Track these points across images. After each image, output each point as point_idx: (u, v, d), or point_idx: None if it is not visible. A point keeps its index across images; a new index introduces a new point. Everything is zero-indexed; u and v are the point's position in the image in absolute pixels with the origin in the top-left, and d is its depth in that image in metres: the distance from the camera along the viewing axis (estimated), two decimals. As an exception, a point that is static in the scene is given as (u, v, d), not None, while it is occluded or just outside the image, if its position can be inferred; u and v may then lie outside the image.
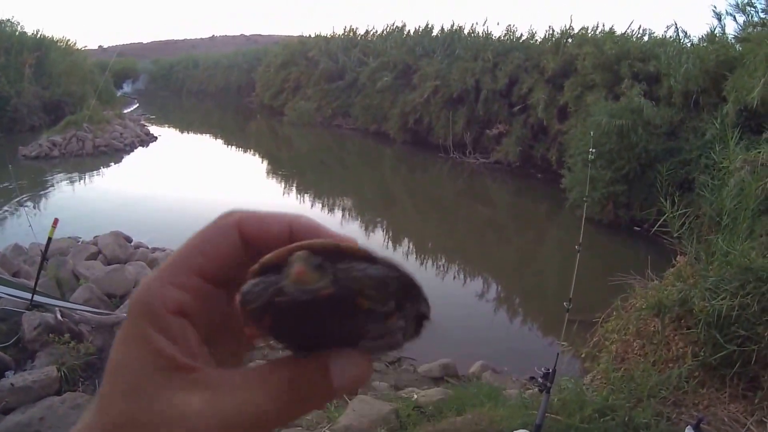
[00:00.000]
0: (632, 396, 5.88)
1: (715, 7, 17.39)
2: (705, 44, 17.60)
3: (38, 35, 34.07)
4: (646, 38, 21.62)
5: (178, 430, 0.52)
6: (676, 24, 20.25)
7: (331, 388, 0.57)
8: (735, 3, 16.02)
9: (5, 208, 16.59)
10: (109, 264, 11.14)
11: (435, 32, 31.80)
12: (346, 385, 0.57)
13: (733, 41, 16.53)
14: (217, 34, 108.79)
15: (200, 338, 0.57)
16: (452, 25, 30.93)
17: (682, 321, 6.66)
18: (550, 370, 4.75)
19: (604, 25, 23.24)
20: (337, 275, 0.53)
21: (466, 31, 30.03)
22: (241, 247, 0.58)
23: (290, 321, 0.54)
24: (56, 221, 7.44)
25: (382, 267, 0.55)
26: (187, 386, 0.54)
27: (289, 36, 53.42)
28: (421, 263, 13.61)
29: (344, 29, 39.34)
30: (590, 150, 6.82)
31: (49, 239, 7.28)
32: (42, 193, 18.95)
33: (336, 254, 0.54)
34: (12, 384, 6.32)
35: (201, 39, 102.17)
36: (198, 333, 0.57)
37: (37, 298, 7.51)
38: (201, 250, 0.57)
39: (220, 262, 0.57)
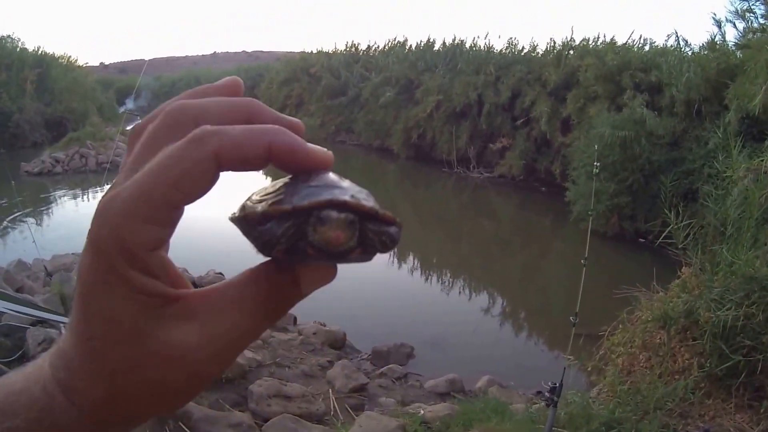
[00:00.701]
0: (639, 408, 5.87)
1: (714, 14, 17.33)
2: (706, 52, 17.49)
3: (39, 52, 34.22)
4: (647, 48, 21.53)
5: (180, 366, 0.55)
6: (676, 33, 20.12)
7: (300, 296, 0.62)
8: (734, 9, 15.99)
9: (8, 224, 16.58)
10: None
11: (437, 46, 31.65)
12: (312, 291, 0.63)
13: (733, 48, 16.42)
14: (219, 50, 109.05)
15: (171, 262, 0.59)
16: (454, 39, 30.82)
17: (688, 332, 6.65)
18: (557, 385, 4.75)
19: (605, 36, 23.32)
20: (366, 235, 0.58)
21: (467, 45, 29.89)
22: (216, 175, 0.56)
23: (302, 257, 0.58)
24: None
25: (398, 227, 0.61)
26: (177, 320, 0.55)
27: (290, 52, 53.31)
28: (426, 279, 13.60)
29: (346, 45, 39.22)
30: (594, 164, 6.82)
31: None
32: (45, 208, 18.96)
33: (365, 214, 0.58)
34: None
35: (202, 55, 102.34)
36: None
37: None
38: (179, 186, 0.53)
39: (198, 196, 0.55)
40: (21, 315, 7.45)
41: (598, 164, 6.80)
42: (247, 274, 0.61)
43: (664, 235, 7.45)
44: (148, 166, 0.54)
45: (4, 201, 17.80)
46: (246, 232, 0.60)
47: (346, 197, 0.57)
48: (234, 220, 0.62)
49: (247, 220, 0.59)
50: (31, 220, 16.60)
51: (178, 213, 0.55)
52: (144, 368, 0.54)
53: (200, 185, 0.55)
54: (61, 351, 0.57)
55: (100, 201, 0.54)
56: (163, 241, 0.55)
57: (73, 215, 18.18)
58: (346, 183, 0.60)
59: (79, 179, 23.35)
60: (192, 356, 0.55)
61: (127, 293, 0.53)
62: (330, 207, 0.56)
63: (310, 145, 0.60)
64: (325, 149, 0.61)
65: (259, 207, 0.58)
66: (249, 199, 0.64)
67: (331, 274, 0.63)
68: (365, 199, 0.59)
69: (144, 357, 0.54)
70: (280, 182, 0.62)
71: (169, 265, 0.57)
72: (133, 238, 0.52)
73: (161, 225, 0.54)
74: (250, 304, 0.59)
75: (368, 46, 38.04)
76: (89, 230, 0.54)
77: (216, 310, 0.57)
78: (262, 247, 0.58)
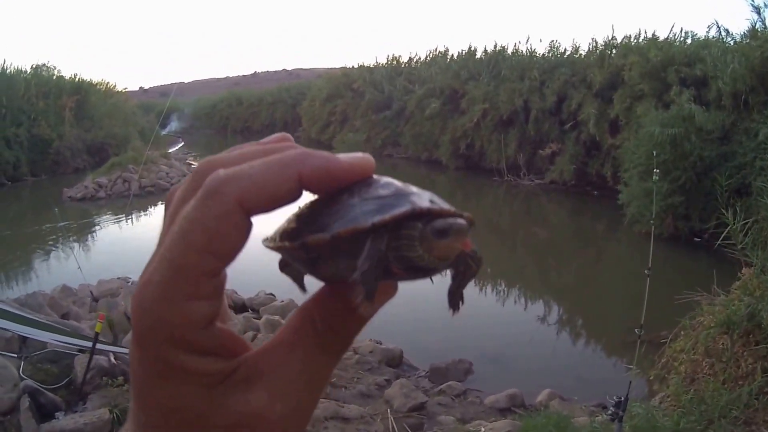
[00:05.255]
0: (703, 418, 5.75)
1: (753, 0, 16.98)
2: (748, 41, 17.27)
3: (76, 79, 34.71)
4: (689, 41, 21.37)
5: (260, 428, 0.51)
6: (717, 23, 19.82)
7: (363, 321, 0.57)
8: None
9: (53, 249, 16.74)
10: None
11: (479, 54, 31.55)
12: (374, 313, 0.56)
13: (775, 34, 16.21)
14: (259, 70, 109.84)
15: (224, 324, 0.53)
16: (495, 46, 30.69)
17: (751, 336, 6.51)
18: (622, 399, 4.65)
19: (646, 32, 23.06)
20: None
21: (509, 51, 29.78)
22: (249, 224, 0.49)
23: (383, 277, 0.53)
24: (102, 316, 7.29)
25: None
26: (241, 388, 0.52)
27: (331, 68, 53.46)
28: (481, 289, 13.49)
29: (387, 58, 39.48)
30: (654, 170, 6.70)
31: (97, 334, 7.18)
32: (90, 234, 19.05)
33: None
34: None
35: (243, 76, 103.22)
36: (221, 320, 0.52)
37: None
38: (210, 249, 0.47)
39: (235, 254, 0.49)
40: (66, 344, 7.50)
41: (657, 171, 6.68)
42: (299, 314, 0.57)
43: (722, 236, 7.27)
44: (170, 236, 0.48)
45: (48, 226, 17.94)
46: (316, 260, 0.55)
47: (426, 204, 0.53)
48: (295, 248, 0.55)
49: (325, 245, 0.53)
50: (75, 245, 16.66)
51: (219, 280, 0.49)
52: None
53: (232, 243, 0.48)
54: None
55: (136, 288, 0.49)
56: (214, 315, 0.50)
57: (118, 240, 18.30)
58: (399, 185, 0.56)
59: (123, 204, 23.16)
60: (267, 421, 0.51)
61: (184, 380, 0.49)
62: (413, 217, 0.52)
63: (343, 156, 0.54)
64: (362, 154, 0.56)
65: (333, 231, 0.52)
66: (290, 225, 0.59)
67: (393, 291, 0.58)
68: (440, 201, 0.55)
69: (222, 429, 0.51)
70: (313, 203, 0.57)
71: (222, 333, 0.52)
72: (180, 322, 0.47)
73: (205, 299, 0.48)
74: (310, 346, 0.55)
75: (410, 57, 38.33)
76: (132, 322, 0.49)
77: (277, 363, 0.53)
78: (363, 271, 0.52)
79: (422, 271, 0.53)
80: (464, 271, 0.59)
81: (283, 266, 0.65)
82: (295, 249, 0.55)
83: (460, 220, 0.51)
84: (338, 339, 0.56)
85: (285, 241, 0.56)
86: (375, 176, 0.57)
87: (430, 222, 0.52)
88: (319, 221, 0.54)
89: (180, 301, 0.47)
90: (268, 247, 0.60)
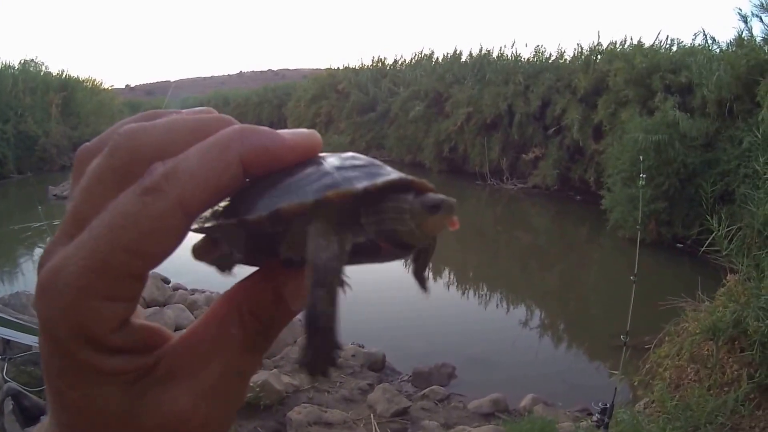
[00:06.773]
0: (689, 424, 5.74)
1: (740, 9, 16.99)
2: (734, 49, 17.28)
3: (63, 75, 34.58)
4: (675, 49, 21.36)
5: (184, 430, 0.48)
6: (703, 31, 19.84)
7: (290, 315, 0.53)
8: (759, 3, 15.80)
9: (36, 248, 16.57)
10: (148, 307, 10.71)
11: (464, 58, 31.53)
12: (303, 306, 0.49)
13: (761, 43, 16.19)
14: (245, 69, 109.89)
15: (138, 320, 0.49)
16: (480, 50, 30.68)
17: (736, 343, 6.52)
18: (608, 405, 4.64)
19: (632, 39, 23.10)
20: None
21: (494, 55, 29.74)
22: (187, 227, 0.45)
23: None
24: None
25: None
26: (164, 384, 0.48)
27: (317, 69, 53.29)
28: (463, 294, 13.48)
29: (372, 60, 39.28)
30: (641, 175, 6.68)
31: None
32: (74, 233, 18.79)
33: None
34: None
35: (229, 75, 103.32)
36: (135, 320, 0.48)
37: None
38: (139, 251, 0.43)
39: (164, 258, 0.45)
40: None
41: (644, 176, 6.67)
42: (224, 303, 0.52)
43: (707, 243, 7.27)
44: (97, 227, 0.43)
45: (32, 225, 17.78)
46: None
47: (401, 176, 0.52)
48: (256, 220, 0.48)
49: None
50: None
51: (141, 284, 0.45)
52: None
53: (165, 247, 0.44)
54: None
55: (43, 268, 0.44)
56: (128, 318, 0.46)
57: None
58: (365, 156, 0.54)
59: (108, 201, 23.21)
60: (193, 422, 0.48)
61: (99, 378, 0.45)
62: (400, 189, 0.50)
63: (285, 132, 0.49)
64: (308, 130, 0.52)
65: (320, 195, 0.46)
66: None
67: None
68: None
69: None
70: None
71: (138, 328, 0.48)
72: (93, 320, 0.43)
73: (122, 301, 0.44)
74: (236, 344, 0.50)
75: (395, 60, 38.09)
76: (37, 309, 0.44)
77: (201, 360, 0.49)
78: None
79: (404, 247, 0.50)
80: (427, 248, 0.57)
81: (214, 258, 0.59)
82: (262, 222, 0.48)
83: (449, 197, 0.49)
84: (265, 334, 0.52)
85: (234, 216, 0.49)
86: (322, 154, 0.52)
87: (419, 195, 0.50)
88: (280, 190, 0.48)
89: (95, 300, 0.42)
90: (214, 225, 0.52)
